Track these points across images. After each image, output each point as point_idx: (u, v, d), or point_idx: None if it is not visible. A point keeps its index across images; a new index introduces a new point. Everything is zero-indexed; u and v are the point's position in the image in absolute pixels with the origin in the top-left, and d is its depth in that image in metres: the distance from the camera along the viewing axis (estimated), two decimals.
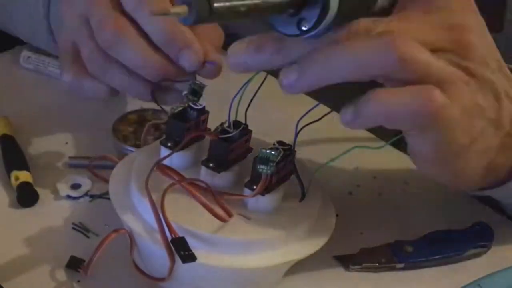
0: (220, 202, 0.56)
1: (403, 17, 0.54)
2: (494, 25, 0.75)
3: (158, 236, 0.55)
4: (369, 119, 0.52)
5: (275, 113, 0.77)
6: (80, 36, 0.63)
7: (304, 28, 0.50)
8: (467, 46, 0.54)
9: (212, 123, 0.60)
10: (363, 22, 0.52)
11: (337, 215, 0.61)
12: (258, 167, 0.56)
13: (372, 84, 0.54)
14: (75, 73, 0.65)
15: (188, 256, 0.53)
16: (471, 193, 0.61)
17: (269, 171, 0.56)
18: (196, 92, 0.60)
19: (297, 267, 0.59)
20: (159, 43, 0.61)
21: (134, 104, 0.77)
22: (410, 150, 0.57)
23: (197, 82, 0.60)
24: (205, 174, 0.58)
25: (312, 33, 0.50)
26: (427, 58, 0.52)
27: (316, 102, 0.59)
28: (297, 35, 0.50)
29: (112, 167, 0.62)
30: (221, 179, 0.58)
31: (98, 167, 0.67)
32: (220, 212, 0.56)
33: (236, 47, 0.53)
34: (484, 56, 0.55)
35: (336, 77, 0.52)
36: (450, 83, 0.53)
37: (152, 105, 0.76)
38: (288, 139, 0.58)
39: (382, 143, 0.63)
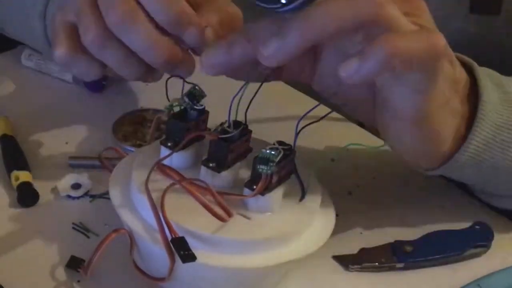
0: (220, 202, 0.56)
1: None
2: (493, 8, 0.76)
3: (158, 236, 0.54)
4: (377, 64, 0.50)
5: (275, 113, 0.77)
6: (84, 15, 0.62)
7: (283, 1, 0.49)
8: (419, 7, 0.57)
9: (212, 123, 0.60)
10: None
11: (337, 215, 0.61)
12: (258, 167, 0.56)
13: None
14: (69, 47, 0.63)
15: (188, 256, 0.53)
16: (430, 173, 0.61)
17: (269, 171, 0.56)
18: (194, 97, 0.59)
19: (297, 267, 0.59)
20: (164, 24, 0.60)
21: (134, 104, 0.78)
22: (390, 116, 0.57)
23: (197, 87, 0.59)
24: (205, 174, 0.58)
25: (292, 5, 0.50)
26: (398, 12, 0.53)
27: (317, 103, 0.59)
28: (277, 8, 0.50)
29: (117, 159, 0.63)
30: (221, 179, 0.58)
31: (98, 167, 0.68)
32: (220, 212, 0.56)
33: (208, 50, 0.54)
34: (432, 22, 0.57)
35: (316, 35, 0.51)
36: None
37: (152, 105, 0.76)
38: (288, 139, 0.58)
39: (381, 142, 0.63)
